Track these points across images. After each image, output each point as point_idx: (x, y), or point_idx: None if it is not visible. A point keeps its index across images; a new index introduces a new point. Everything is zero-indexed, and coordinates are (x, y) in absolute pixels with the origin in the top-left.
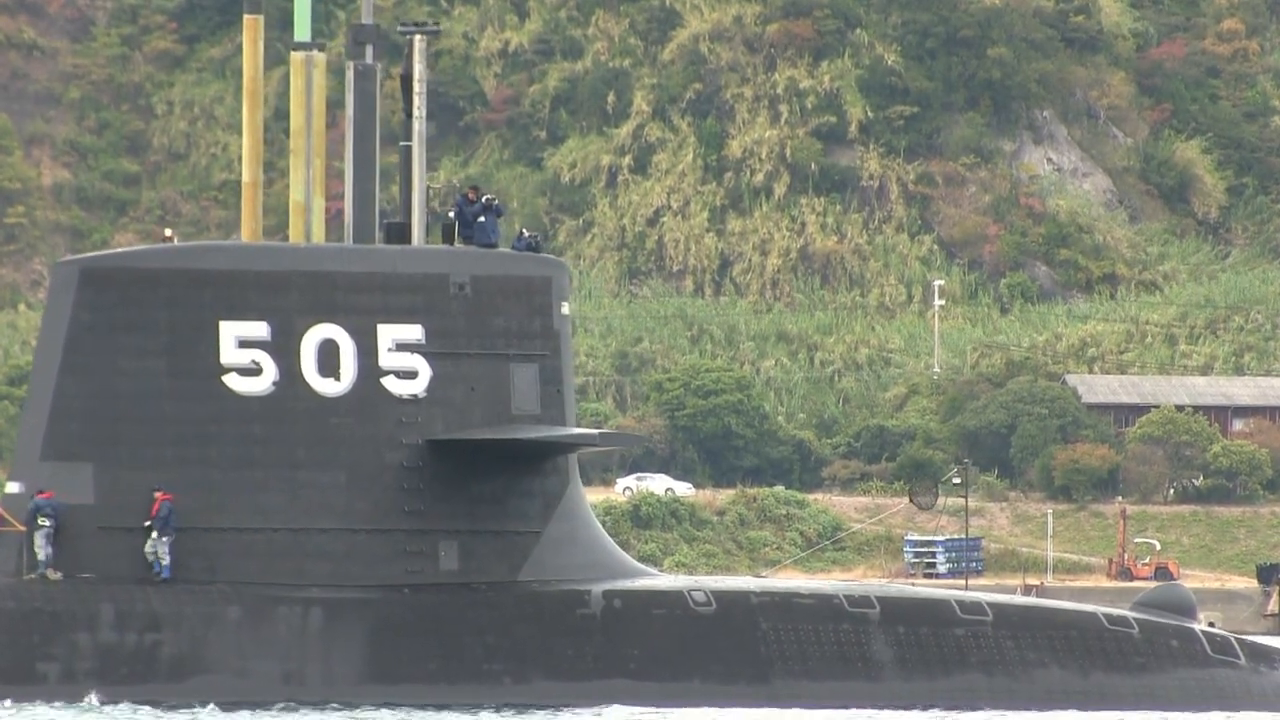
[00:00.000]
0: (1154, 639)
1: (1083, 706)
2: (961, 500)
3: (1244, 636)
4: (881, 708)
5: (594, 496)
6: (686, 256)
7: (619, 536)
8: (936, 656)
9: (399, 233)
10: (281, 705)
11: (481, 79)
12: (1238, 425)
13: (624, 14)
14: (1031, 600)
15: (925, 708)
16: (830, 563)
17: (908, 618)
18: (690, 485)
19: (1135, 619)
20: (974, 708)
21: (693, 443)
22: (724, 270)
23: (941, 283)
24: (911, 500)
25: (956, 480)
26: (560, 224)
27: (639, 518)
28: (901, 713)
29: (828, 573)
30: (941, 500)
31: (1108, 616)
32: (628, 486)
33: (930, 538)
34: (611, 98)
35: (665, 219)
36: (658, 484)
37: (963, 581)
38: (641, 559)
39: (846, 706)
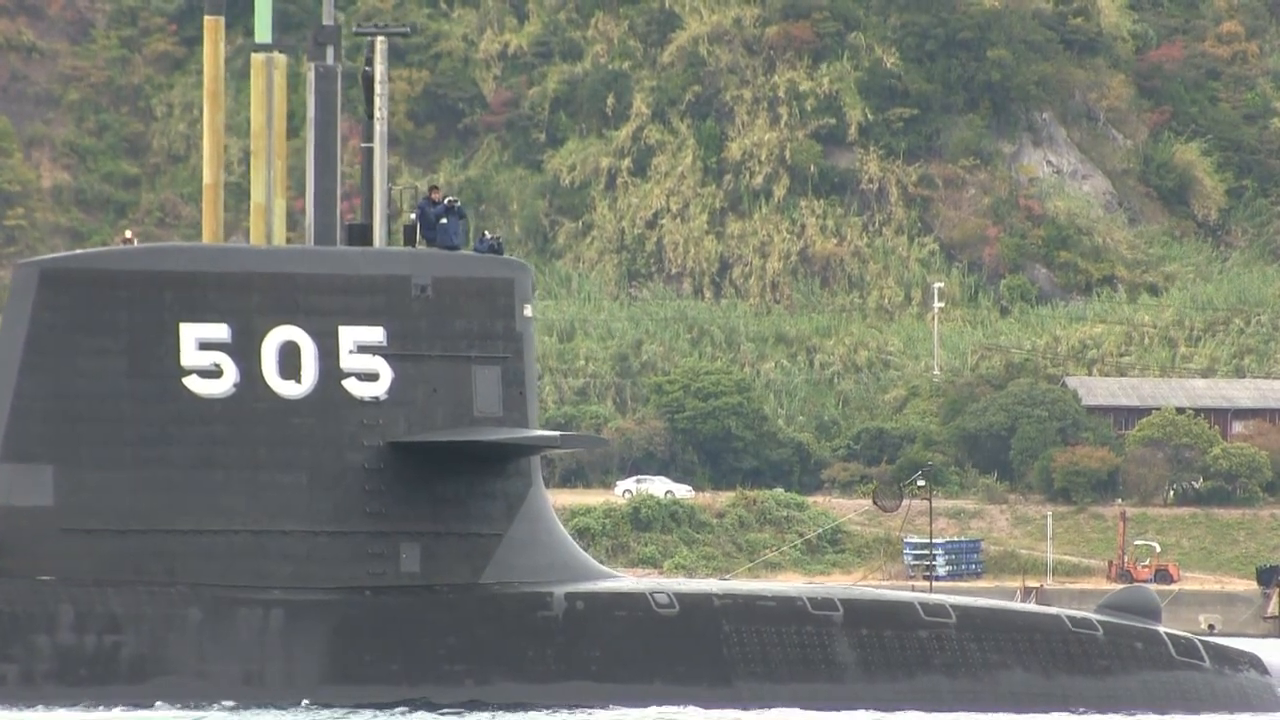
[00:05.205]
0: (1118, 641)
1: (1046, 708)
2: (926, 503)
3: (1208, 638)
4: (844, 710)
5: (593, 499)
6: (686, 259)
7: (618, 539)
8: (899, 659)
9: (360, 234)
10: (242, 707)
11: (481, 81)
12: (1238, 428)
13: (623, 16)
14: (995, 603)
15: (888, 710)
16: (830, 565)
17: (871, 620)
18: (690, 488)
19: (1099, 621)
20: (937, 710)
21: (692, 445)
22: (723, 272)
23: (941, 285)
24: (875, 503)
25: (921, 483)
26: (559, 226)
27: (639, 520)
28: (864, 714)
29: (827, 575)
30: (906, 504)
31: (1071, 619)
32: (627, 489)
33: (931, 540)
34: (611, 100)
35: (665, 221)
36: (657, 486)
37: (964, 585)
38: (641, 561)
39: (809, 708)
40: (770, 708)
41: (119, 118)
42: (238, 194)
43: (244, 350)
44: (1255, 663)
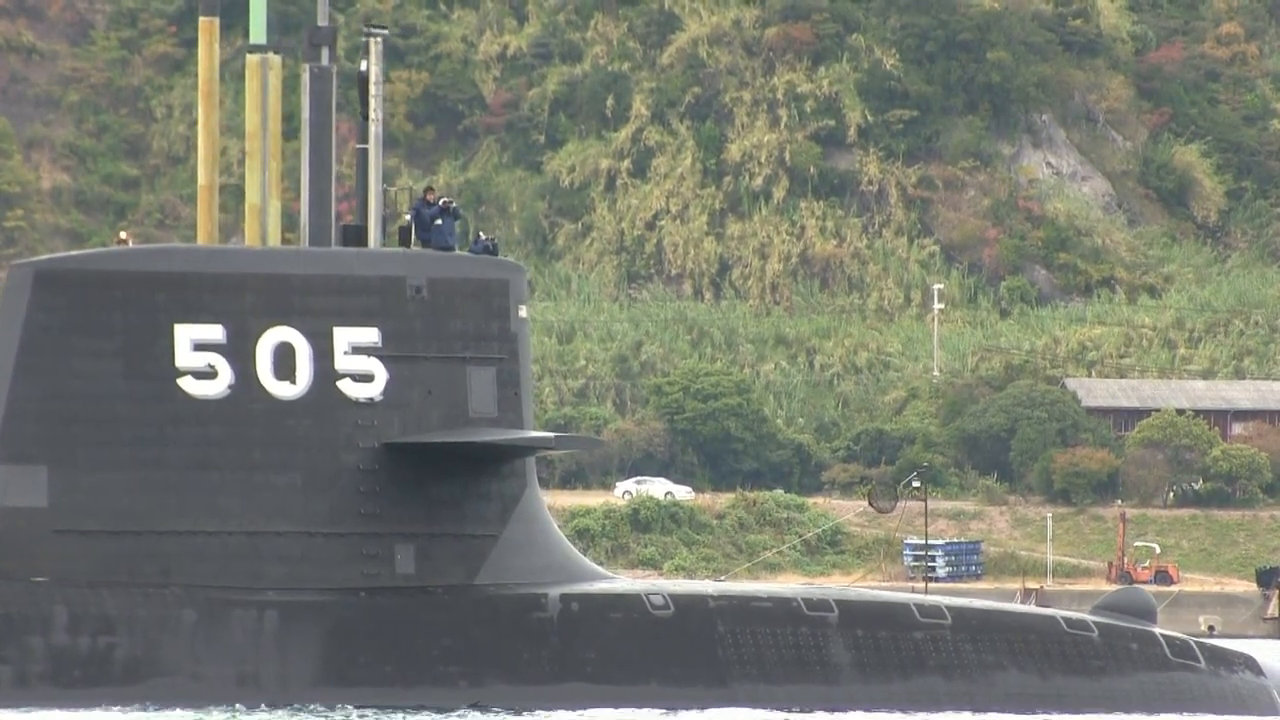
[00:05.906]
0: (1113, 642)
1: (1041, 710)
2: (921, 504)
3: (1203, 639)
4: (839, 711)
5: (593, 500)
6: (686, 260)
7: (618, 540)
8: (895, 660)
9: (355, 235)
10: (236, 708)
11: (480, 82)
12: (1237, 429)
13: (623, 17)
14: (990, 604)
15: (883, 711)
16: (830, 566)
17: (866, 621)
18: (690, 489)
19: (1094, 622)
20: (932, 711)
21: (692, 446)
22: (723, 274)
23: (941, 286)
24: (870, 504)
25: (916, 484)
26: (559, 228)
27: (638, 521)
28: (859, 715)
29: (827, 576)
30: (902, 505)
31: (1067, 620)
32: (627, 490)
33: (927, 541)
34: (610, 101)
35: (664, 223)
36: (657, 488)
37: (964, 586)
38: (641, 563)
39: (804, 709)
40: (765, 709)
41: (119, 119)
42: (238, 195)
43: (239, 351)
44: (1250, 664)
